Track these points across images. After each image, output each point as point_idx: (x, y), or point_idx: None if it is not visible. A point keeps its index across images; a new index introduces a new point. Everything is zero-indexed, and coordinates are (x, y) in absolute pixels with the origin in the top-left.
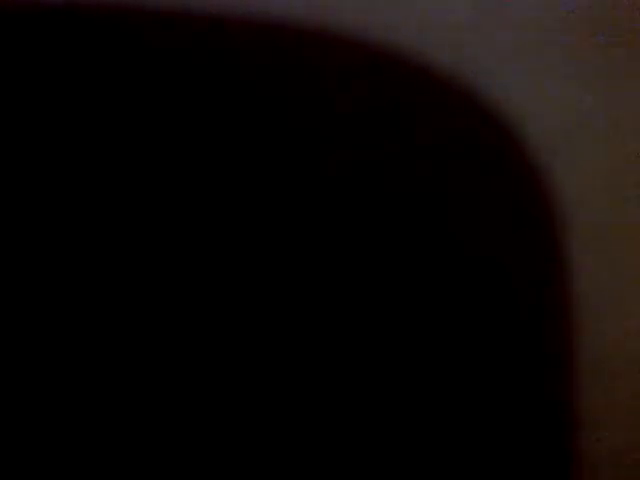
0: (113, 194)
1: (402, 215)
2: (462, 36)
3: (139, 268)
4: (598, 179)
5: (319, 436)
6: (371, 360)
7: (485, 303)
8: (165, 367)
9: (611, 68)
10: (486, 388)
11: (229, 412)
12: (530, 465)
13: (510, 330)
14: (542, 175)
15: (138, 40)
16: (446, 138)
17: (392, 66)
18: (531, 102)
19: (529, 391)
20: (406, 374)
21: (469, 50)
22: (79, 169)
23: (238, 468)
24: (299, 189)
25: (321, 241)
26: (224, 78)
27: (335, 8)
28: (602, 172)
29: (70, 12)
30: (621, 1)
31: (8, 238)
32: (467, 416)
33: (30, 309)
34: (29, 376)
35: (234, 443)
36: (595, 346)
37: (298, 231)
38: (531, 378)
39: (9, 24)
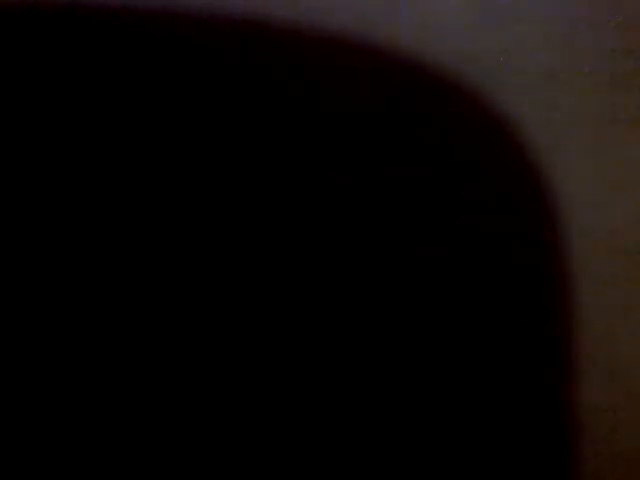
0: (113, 193)
1: (402, 215)
2: (462, 36)
3: (139, 268)
4: (598, 179)
5: (319, 435)
6: (370, 357)
7: (485, 303)
8: (165, 366)
9: (612, 67)
10: (486, 388)
11: (229, 411)
12: (530, 465)
13: (510, 330)
14: (542, 175)
15: (138, 40)
16: (446, 138)
17: (392, 66)
18: (531, 102)
19: (529, 391)
20: (406, 373)
21: (469, 50)
22: (79, 168)
23: (238, 468)
24: (299, 189)
25: (322, 239)
26: (224, 78)
27: (335, 8)
28: (602, 172)
29: (70, 12)
30: (622, 2)
31: (8, 238)
32: (467, 416)
33: (30, 309)
34: (29, 376)
35: (234, 443)
36: (596, 346)
37: (300, 229)
38: (531, 378)
39: (9, 24)
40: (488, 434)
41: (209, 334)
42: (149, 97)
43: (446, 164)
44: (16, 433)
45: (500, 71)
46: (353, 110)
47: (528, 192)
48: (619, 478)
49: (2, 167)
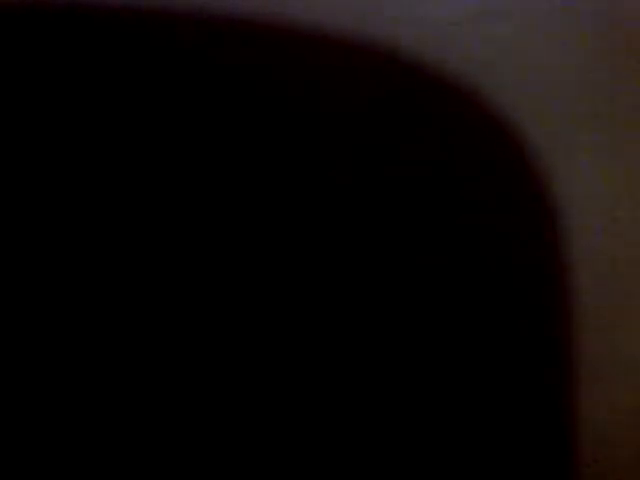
0: (113, 194)
1: (402, 215)
2: (462, 35)
3: (139, 268)
4: (598, 178)
5: (319, 436)
6: (370, 360)
7: (485, 303)
8: (165, 367)
9: (612, 67)
10: (486, 388)
11: (229, 412)
12: (530, 465)
13: (510, 330)
14: (542, 175)
15: (137, 40)
16: (445, 138)
17: (391, 65)
18: (531, 101)
19: (529, 391)
20: (406, 372)
21: (469, 49)
22: (78, 169)
23: (238, 468)
24: (300, 190)
25: (322, 239)
26: (224, 79)
27: (335, 8)
28: (602, 171)
29: (70, 12)
30: (622, 0)
31: (8, 238)
32: (466, 416)
33: (30, 309)
34: (29, 376)
35: (234, 443)
36: (595, 346)
37: (300, 229)
38: (531, 378)
39: (9, 24)
40: (487, 434)
41: (208, 334)
42: (148, 97)
43: (446, 164)
44: (16, 433)
45: (500, 71)
46: (353, 110)
47: (528, 192)
48: (619, 478)
49: (1, 167)
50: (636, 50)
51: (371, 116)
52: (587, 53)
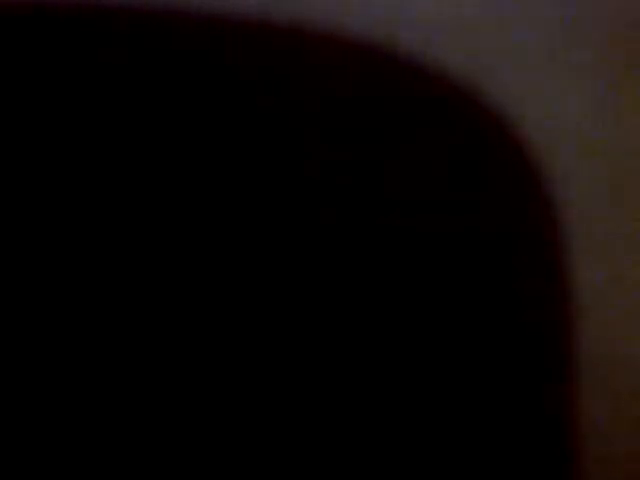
0: (111, 195)
1: (402, 215)
2: (462, 35)
3: (138, 269)
4: (598, 179)
5: (318, 436)
6: (369, 361)
7: (485, 304)
8: (165, 368)
9: (612, 68)
10: (486, 389)
11: (229, 413)
12: (530, 466)
13: (510, 331)
14: (542, 175)
15: (135, 40)
16: (446, 138)
17: (392, 66)
18: (531, 102)
19: (529, 392)
20: (405, 375)
21: (469, 49)
22: (78, 170)
23: (238, 468)
24: (299, 189)
25: (321, 241)
26: (222, 79)
27: (335, 9)
28: (602, 172)
29: (69, 12)
30: (622, 1)
31: (8, 238)
32: (466, 417)
33: (30, 309)
34: (29, 376)
35: (234, 443)
36: (595, 346)
37: (299, 232)
38: (531, 379)
39: (9, 24)
40: (487, 435)
41: (206, 334)
42: (147, 97)
43: (446, 164)
44: (16, 433)
45: (500, 71)
46: (353, 110)
47: (528, 192)
48: (620, 478)
49: (1, 167)
50: (636, 50)
51: (371, 116)
52: (588, 54)
